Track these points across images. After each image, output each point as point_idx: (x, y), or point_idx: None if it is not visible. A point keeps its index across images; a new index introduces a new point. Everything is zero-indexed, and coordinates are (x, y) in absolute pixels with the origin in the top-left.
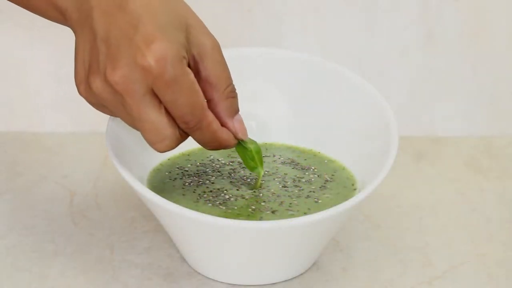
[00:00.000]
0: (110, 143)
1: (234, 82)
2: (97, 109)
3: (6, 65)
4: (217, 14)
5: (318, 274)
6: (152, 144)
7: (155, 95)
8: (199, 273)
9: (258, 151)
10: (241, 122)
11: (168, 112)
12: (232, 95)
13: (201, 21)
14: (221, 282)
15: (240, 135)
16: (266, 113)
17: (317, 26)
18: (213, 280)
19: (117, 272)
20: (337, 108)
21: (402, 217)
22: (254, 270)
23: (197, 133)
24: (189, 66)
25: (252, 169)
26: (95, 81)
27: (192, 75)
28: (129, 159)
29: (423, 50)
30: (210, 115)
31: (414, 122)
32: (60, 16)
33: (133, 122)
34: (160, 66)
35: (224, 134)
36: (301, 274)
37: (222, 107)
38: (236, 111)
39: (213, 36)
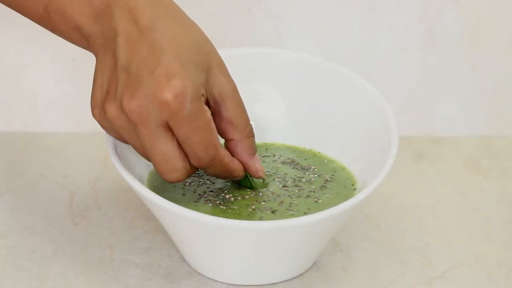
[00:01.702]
0: (110, 143)
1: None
2: (108, 133)
3: (6, 65)
4: (216, 14)
5: (318, 274)
6: (162, 174)
7: (169, 129)
8: (199, 273)
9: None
10: (260, 161)
11: (180, 146)
12: (251, 134)
13: (223, 63)
14: (221, 282)
15: (261, 174)
16: (266, 113)
17: (317, 26)
18: (213, 280)
19: (117, 272)
20: (337, 108)
21: (402, 217)
22: (254, 270)
23: (210, 168)
24: (208, 105)
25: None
26: (111, 107)
27: (208, 113)
28: (129, 159)
29: (423, 50)
30: (223, 151)
31: (414, 122)
32: (84, 41)
33: (145, 151)
34: (178, 102)
35: (235, 165)
36: (301, 274)
37: (243, 146)
38: (255, 150)
39: (232, 79)
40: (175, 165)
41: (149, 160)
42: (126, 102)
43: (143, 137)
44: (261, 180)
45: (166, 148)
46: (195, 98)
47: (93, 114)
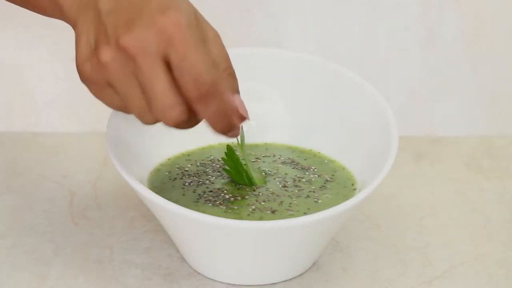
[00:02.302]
0: (110, 143)
1: None
2: (99, 94)
3: (6, 65)
4: (216, 14)
5: (318, 274)
6: (164, 111)
7: (167, 63)
8: (199, 273)
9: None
10: (242, 101)
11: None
12: (233, 74)
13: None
14: (221, 282)
15: (241, 111)
16: (266, 113)
17: (317, 26)
18: (213, 280)
19: (117, 272)
20: (337, 108)
21: (402, 217)
22: (254, 270)
23: (210, 101)
24: None
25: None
26: (106, 52)
27: (209, 33)
28: (129, 159)
29: (423, 50)
30: (222, 84)
31: (414, 122)
32: (58, 9)
33: (143, 92)
34: (176, 28)
35: (235, 103)
36: (301, 274)
37: (223, 85)
38: (237, 90)
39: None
40: (177, 98)
41: (149, 101)
42: (123, 37)
43: (142, 72)
44: (263, 174)
45: (166, 81)
46: (192, 24)
47: (81, 72)
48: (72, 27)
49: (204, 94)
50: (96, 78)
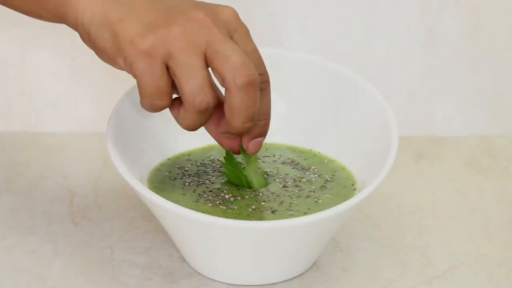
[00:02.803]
0: (110, 143)
1: None
2: (148, 69)
3: (6, 65)
4: None
5: (318, 274)
6: (240, 68)
7: None
8: (199, 273)
9: (261, 186)
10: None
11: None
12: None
13: None
14: (221, 282)
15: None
16: None
17: (317, 26)
18: (213, 280)
19: (117, 272)
20: (337, 108)
21: (402, 217)
22: (254, 270)
23: (268, 86)
24: None
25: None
26: (178, 22)
27: None
28: (129, 159)
29: (423, 50)
30: None
31: (414, 122)
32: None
33: (206, 62)
34: (234, 14)
35: None
36: (301, 274)
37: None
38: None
39: None
40: (251, 66)
41: (194, 91)
42: (194, 13)
43: (215, 39)
44: (265, 177)
45: (237, 46)
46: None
47: (139, 45)
48: (76, 18)
49: (264, 83)
50: (158, 50)
